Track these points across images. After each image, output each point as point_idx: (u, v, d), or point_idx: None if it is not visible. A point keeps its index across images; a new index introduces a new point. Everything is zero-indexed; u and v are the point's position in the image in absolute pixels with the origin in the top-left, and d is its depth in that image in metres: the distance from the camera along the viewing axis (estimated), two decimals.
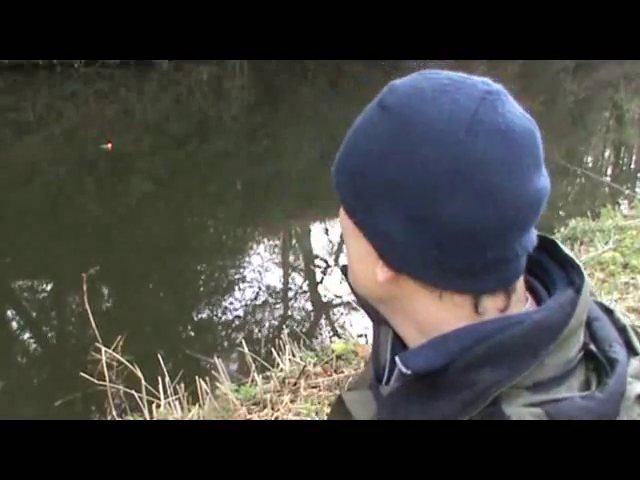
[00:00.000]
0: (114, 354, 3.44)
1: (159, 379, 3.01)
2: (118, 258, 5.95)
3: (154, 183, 7.91)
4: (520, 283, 0.65)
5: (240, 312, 5.27)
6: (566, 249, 0.70)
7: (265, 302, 5.41)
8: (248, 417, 2.83)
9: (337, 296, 5.31)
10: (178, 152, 9.02)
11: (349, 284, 0.72)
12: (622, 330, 0.68)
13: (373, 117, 0.63)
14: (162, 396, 2.99)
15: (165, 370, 3.11)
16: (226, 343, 4.87)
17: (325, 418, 0.93)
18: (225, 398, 2.96)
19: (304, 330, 4.71)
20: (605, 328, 0.67)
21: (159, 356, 3.22)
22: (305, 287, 5.99)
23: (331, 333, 4.95)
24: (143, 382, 3.02)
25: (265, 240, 7.05)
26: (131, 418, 3.04)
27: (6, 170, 7.92)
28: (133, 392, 3.07)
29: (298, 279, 6.21)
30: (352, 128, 0.66)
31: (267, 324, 5.12)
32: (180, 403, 2.98)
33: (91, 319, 3.51)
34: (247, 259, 6.50)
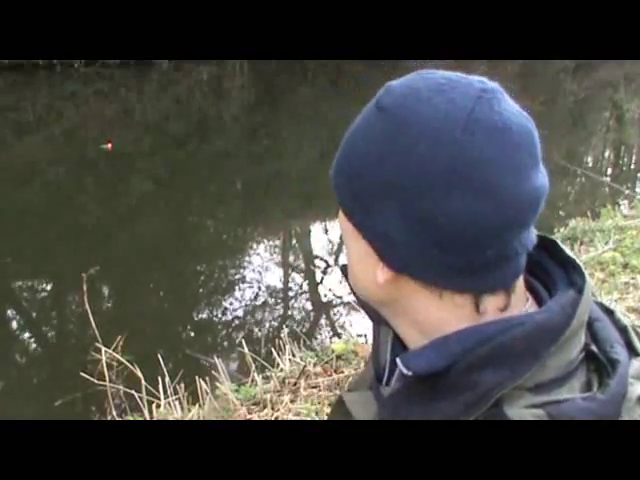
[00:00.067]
0: (114, 354, 3.44)
1: (159, 379, 3.01)
2: (118, 258, 5.94)
3: (154, 183, 7.92)
4: (520, 283, 0.65)
5: (240, 312, 5.27)
6: (567, 249, 0.69)
7: (265, 302, 5.41)
8: (248, 417, 2.83)
9: (337, 296, 5.31)
10: (178, 152, 9.02)
11: (349, 285, 0.72)
12: (623, 331, 0.68)
13: (370, 118, 0.63)
14: (162, 396, 2.99)
15: (165, 370, 3.11)
16: (226, 343, 4.87)
17: (325, 418, 0.93)
18: (225, 398, 2.96)
19: (304, 330, 4.70)
20: (606, 329, 0.67)
21: (159, 356, 3.22)
22: (305, 287, 5.99)
23: (331, 333, 4.95)
24: (143, 382, 3.02)
25: (265, 240, 7.05)
26: (131, 418, 3.04)
27: (6, 170, 7.92)
28: (133, 392, 3.07)
29: (298, 279, 6.21)
30: (350, 129, 0.66)
31: (267, 324, 5.12)
32: (180, 403, 2.98)
33: (91, 319, 3.52)
34: (247, 259, 6.50)
